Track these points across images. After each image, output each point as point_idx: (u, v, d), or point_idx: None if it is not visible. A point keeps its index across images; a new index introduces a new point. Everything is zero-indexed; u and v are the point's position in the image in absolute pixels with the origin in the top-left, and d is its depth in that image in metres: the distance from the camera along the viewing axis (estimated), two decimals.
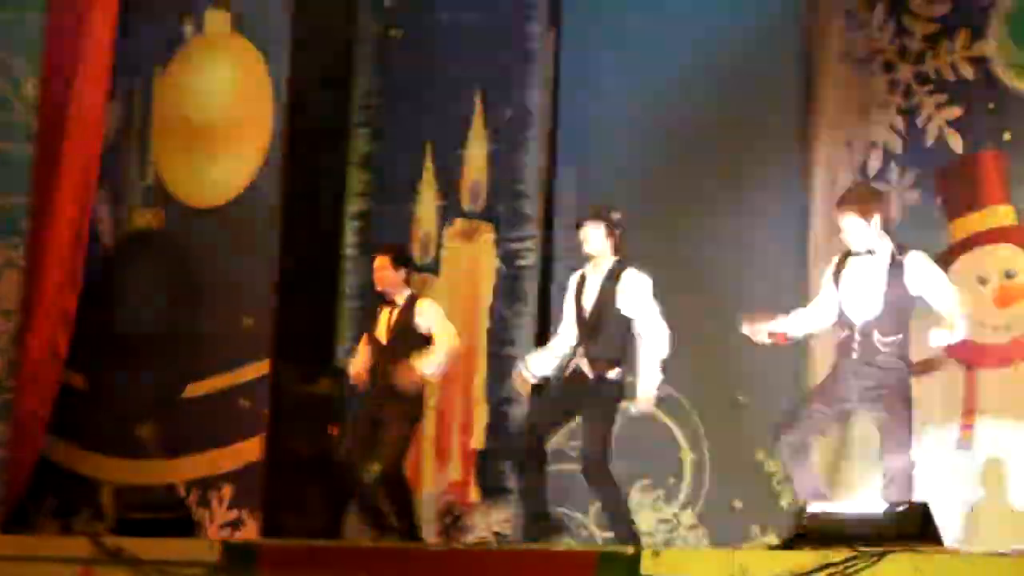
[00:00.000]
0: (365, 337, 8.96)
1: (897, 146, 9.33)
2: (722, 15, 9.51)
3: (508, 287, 9.99)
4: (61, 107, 10.96)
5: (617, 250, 7.98)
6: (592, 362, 7.87)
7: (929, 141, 9.25)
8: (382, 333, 8.81)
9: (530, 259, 9.93)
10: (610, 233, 7.96)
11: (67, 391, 10.95)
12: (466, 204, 10.28)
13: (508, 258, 10.07)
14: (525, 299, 9.88)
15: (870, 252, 7.37)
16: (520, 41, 10.14)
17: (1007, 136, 9.00)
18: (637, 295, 7.83)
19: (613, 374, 7.87)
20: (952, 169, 9.18)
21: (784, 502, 8.71)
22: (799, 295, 8.44)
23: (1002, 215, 9.01)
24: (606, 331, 7.88)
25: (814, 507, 6.90)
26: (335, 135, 10.70)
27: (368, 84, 10.70)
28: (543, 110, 10.07)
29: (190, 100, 11.14)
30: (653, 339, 7.77)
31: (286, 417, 10.28)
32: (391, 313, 8.84)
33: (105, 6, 10.92)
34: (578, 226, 8.19)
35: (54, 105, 10.98)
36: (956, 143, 9.16)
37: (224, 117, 10.98)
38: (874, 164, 9.35)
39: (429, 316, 8.77)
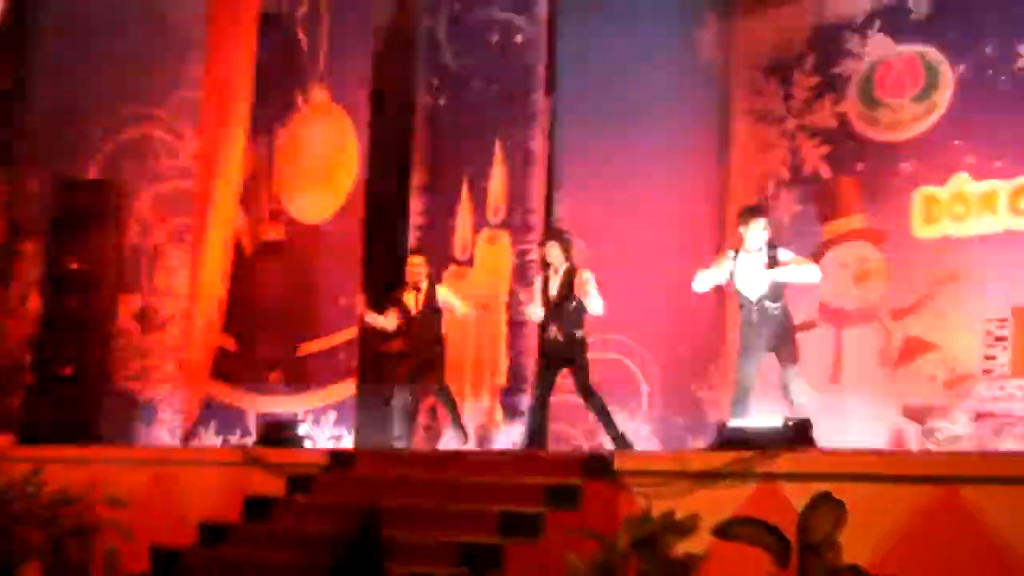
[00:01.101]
0: (396, 310, 9.24)
1: (786, 174, 9.59)
2: (670, 86, 9.38)
3: (520, 274, 9.86)
4: (213, 155, 11.18)
5: (568, 258, 8.50)
6: (559, 329, 8.42)
7: (807, 171, 9.49)
8: (412, 307, 9.20)
9: (535, 255, 9.60)
10: (565, 248, 8.50)
11: (223, 351, 11.10)
12: (491, 217, 10.17)
13: (520, 254, 9.92)
14: (531, 282, 9.36)
15: (759, 249, 7.56)
16: (526, 104, 9.99)
17: (860, 167, 9.30)
18: (587, 286, 8.37)
19: (579, 334, 8.44)
20: (822, 190, 9.39)
21: (711, 420, 8.64)
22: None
23: (856, 221, 9.26)
24: (567, 309, 8.39)
25: (731, 423, 6.98)
26: (401, 172, 10.64)
27: (424, 136, 10.52)
28: (543, 152, 10.01)
29: (301, 148, 11.14)
30: (596, 308, 8.39)
31: (369, 367, 10.29)
32: (416, 295, 9.16)
33: (242, 81, 10.94)
34: (542, 243, 8.66)
35: (208, 154, 11.25)
36: (825, 172, 9.46)
37: (324, 159, 10.98)
38: (770, 187, 9.62)
39: (447, 295, 9.33)
